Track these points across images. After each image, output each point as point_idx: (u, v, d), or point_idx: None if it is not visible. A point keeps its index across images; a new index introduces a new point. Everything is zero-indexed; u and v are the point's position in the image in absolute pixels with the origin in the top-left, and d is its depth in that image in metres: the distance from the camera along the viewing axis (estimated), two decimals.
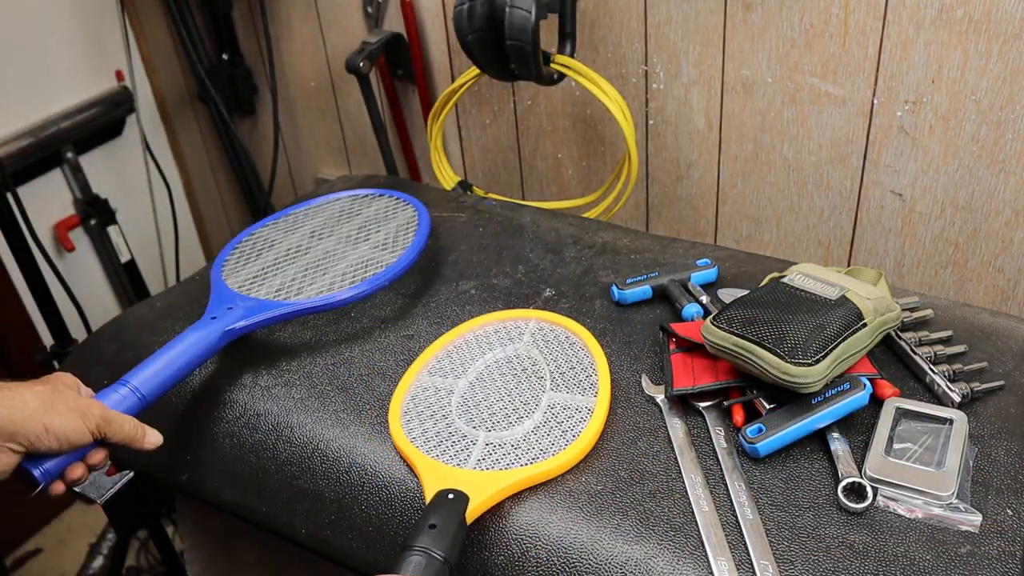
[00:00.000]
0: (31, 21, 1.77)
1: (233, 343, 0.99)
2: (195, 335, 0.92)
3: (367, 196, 1.25)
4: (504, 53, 1.27)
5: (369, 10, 1.68)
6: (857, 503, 0.75)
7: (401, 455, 0.85)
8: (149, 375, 0.87)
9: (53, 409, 0.75)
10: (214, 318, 0.96)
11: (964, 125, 1.21)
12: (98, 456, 0.81)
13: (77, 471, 0.79)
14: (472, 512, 0.75)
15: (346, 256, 1.10)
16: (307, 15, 1.79)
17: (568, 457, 0.81)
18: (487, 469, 0.81)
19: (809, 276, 0.91)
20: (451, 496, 0.76)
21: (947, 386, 0.85)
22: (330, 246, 1.13)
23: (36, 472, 0.76)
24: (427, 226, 1.13)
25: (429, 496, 0.77)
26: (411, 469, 0.84)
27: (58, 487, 0.79)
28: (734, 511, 0.76)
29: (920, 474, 0.76)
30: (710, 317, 0.88)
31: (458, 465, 0.81)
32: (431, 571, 0.68)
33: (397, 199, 1.22)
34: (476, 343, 0.98)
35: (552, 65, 1.34)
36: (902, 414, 0.83)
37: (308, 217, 1.22)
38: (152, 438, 0.84)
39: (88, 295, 1.90)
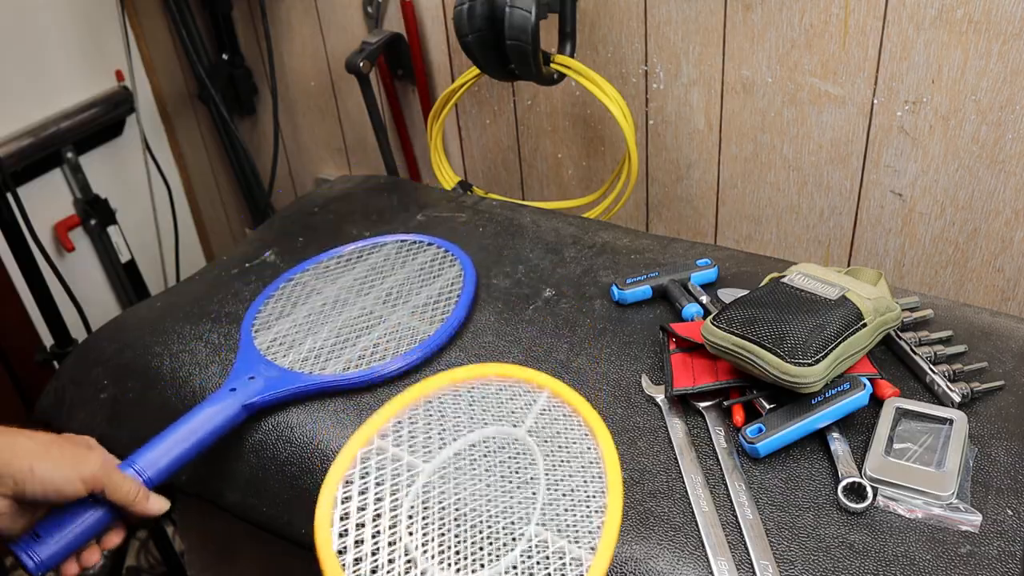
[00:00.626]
0: (31, 21, 1.77)
1: (234, 333, 0.98)
2: (211, 410, 0.87)
3: (416, 244, 1.17)
4: (504, 53, 1.27)
5: (369, 10, 1.68)
6: (857, 503, 0.75)
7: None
8: (157, 456, 0.82)
9: (46, 454, 0.72)
10: (233, 390, 0.91)
11: (964, 125, 1.21)
12: (108, 540, 0.77)
13: (71, 569, 0.75)
14: None
15: (382, 321, 1.02)
16: (307, 15, 1.79)
17: None
18: None
19: (809, 276, 0.91)
20: None
21: (947, 386, 0.85)
22: (368, 304, 1.05)
23: (26, 558, 0.72)
24: (471, 291, 1.05)
25: None
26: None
27: (70, 569, 0.75)
28: (734, 511, 0.76)
29: (920, 474, 0.76)
30: (710, 317, 0.88)
31: None
32: None
33: (446, 252, 1.14)
34: (467, 405, 0.73)
35: (552, 65, 1.34)
36: (902, 414, 0.83)
37: (352, 264, 1.15)
38: (155, 504, 0.79)
39: (88, 295, 1.90)
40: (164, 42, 2.01)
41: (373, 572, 0.59)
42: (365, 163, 1.93)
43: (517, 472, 0.67)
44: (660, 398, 0.89)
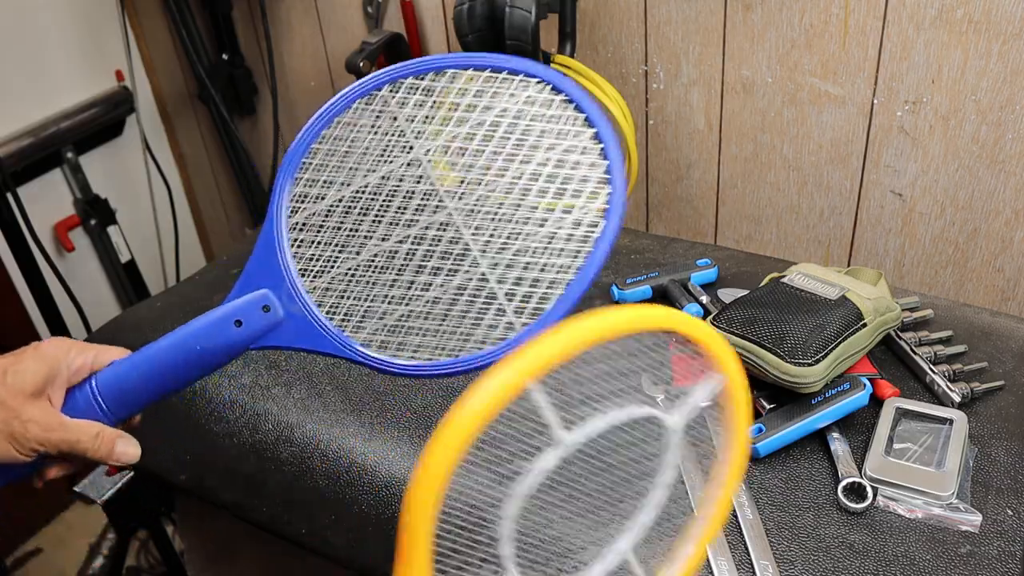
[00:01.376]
0: (31, 21, 1.77)
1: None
2: (206, 346, 0.63)
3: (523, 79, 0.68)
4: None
5: (369, 10, 1.68)
6: (857, 503, 0.75)
7: None
8: (127, 387, 0.63)
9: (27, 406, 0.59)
10: (239, 323, 0.63)
11: (964, 125, 1.21)
12: (54, 471, 0.64)
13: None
14: None
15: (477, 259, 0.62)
16: (307, 15, 1.79)
17: None
18: None
19: (809, 276, 0.91)
20: None
21: (947, 386, 0.85)
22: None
23: None
24: (621, 200, 0.61)
25: None
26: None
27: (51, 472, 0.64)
28: (734, 511, 0.76)
29: (920, 474, 0.76)
30: (710, 317, 0.88)
31: None
32: None
33: (567, 102, 0.65)
34: (605, 371, 0.51)
35: (552, 65, 1.34)
36: (902, 414, 0.83)
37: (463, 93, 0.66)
38: (123, 450, 0.63)
39: (88, 295, 1.90)
40: (164, 42, 2.01)
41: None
42: None
43: (639, 474, 0.51)
44: (660, 398, 0.89)
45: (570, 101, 0.65)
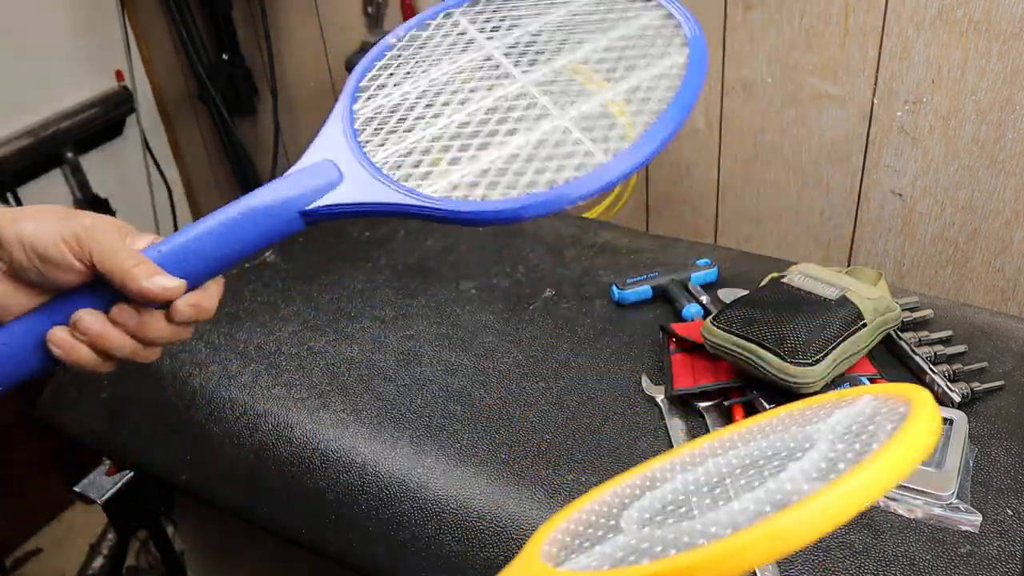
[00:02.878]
0: (31, 21, 1.77)
1: (234, 333, 0.98)
2: (261, 207, 0.58)
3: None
4: None
5: (369, 10, 1.68)
6: None
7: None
8: (183, 241, 0.58)
9: (34, 215, 0.55)
10: (304, 179, 0.59)
11: (964, 125, 1.21)
12: (84, 322, 0.56)
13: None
14: None
15: (541, 119, 0.63)
16: (307, 15, 1.79)
17: None
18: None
19: (809, 276, 0.91)
20: None
21: (947, 386, 0.85)
22: (530, 86, 0.64)
23: None
24: (688, 101, 0.64)
25: None
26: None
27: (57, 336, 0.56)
28: None
29: (920, 474, 0.76)
30: (710, 317, 0.88)
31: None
32: None
33: (675, 25, 0.69)
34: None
35: None
36: None
37: (528, 8, 0.71)
38: (159, 280, 0.55)
39: None
40: (164, 42, 2.01)
41: None
42: None
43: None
44: (660, 398, 0.89)
45: None
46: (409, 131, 0.64)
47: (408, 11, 1.60)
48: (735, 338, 0.84)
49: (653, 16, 0.68)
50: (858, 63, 1.24)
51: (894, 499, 0.76)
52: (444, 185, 0.60)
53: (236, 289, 1.14)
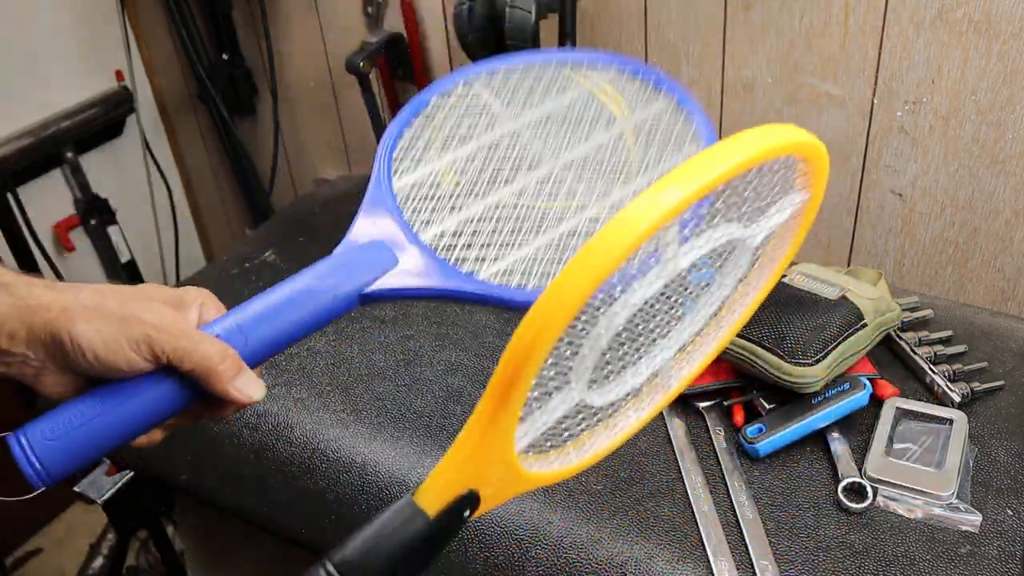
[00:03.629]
0: (31, 21, 1.77)
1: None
2: (320, 287, 0.58)
3: (643, 82, 0.72)
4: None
5: (369, 10, 1.68)
6: (857, 503, 0.75)
7: None
8: (261, 318, 0.57)
9: (94, 311, 0.51)
10: (358, 264, 0.59)
11: (964, 125, 1.21)
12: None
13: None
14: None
15: (572, 210, 0.66)
16: (307, 15, 1.79)
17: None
18: None
19: (809, 276, 0.91)
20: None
21: (947, 386, 0.85)
22: (557, 169, 0.68)
23: (24, 463, 0.48)
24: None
25: None
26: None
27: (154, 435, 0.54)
28: (734, 511, 0.76)
29: (920, 474, 0.76)
30: None
31: None
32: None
33: (686, 115, 0.69)
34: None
35: None
36: (902, 414, 0.83)
37: (546, 89, 0.72)
38: (249, 387, 0.55)
39: None
40: (164, 42, 2.01)
41: None
42: (365, 163, 1.93)
43: None
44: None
45: (648, 79, 0.71)
46: (455, 210, 0.64)
47: (408, 11, 1.60)
48: (735, 338, 0.84)
49: (664, 103, 0.70)
50: (858, 63, 1.24)
51: (894, 499, 0.76)
52: (497, 270, 0.61)
53: (236, 289, 1.13)
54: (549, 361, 0.47)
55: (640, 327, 0.52)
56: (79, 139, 1.88)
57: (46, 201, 1.86)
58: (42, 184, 1.84)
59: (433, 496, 0.48)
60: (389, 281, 0.59)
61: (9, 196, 1.41)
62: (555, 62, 0.74)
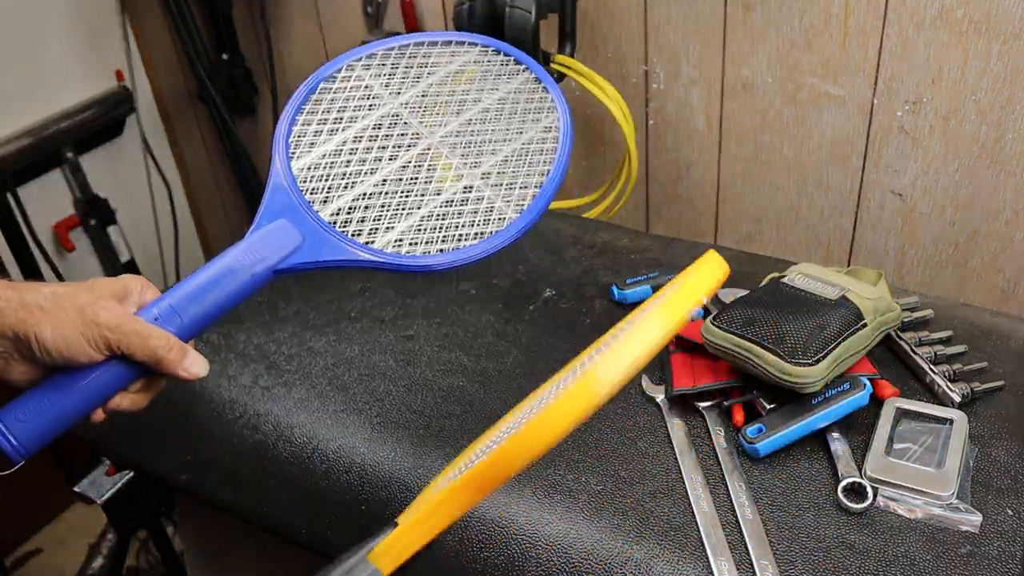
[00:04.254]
0: (31, 21, 1.77)
1: (234, 333, 0.98)
2: (238, 266, 0.67)
3: (505, 61, 0.84)
4: None
5: (369, 10, 1.68)
6: (857, 503, 0.75)
7: None
8: (190, 299, 0.65)
9: (51, 315, 0.59)
10: (268, 245, 0.69)
11: (964, 125, 1.21)
12: (131, 394, 0.64)
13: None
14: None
15: (454, 177, 0.77)
16: (307, 15, 1.79)
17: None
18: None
19: (809, 276, 0.91)
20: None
21: (947, 386, 0.85)
22: (436, 143, 0.78)
23: (4, 443, 0.59)
24: (565, 160, 0.78)
25: None
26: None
27: (97, 416, 0.64)
28: (734, 511, 0.76)
29: (920, 474, 0.76)
30: (710, 317, 0.88)
31: None
32: None
33: (543, 91, 0.82)
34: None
35: (552, 65, 1.33)
36: (902, 414, 0.83)
37: (421, 68, 0.82)
38: (194, 363, 0.64)
39: None
40: (164, 42, 2.01)
41: None
42: None
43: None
44: (660, 398, 0.89)
45: (509, 56, 0.83)
46: (348, 188, 0.74)
47: (408, 10, 1.60)
48: (735, 338, 0.84)
49: (524, 77, 0.83)
50: (858, 63, 1.24)
51: (894, 499, 0.76)
52: (389, 239, 0.71)
53: None
54: None
55: None
56: (79, 139, 1.88)
57: (46, 201, 1.86)
58: (42, 184, 1.84)
59: (390, 558, 0.52)
60: (297, 257, 0.69)
61: (9, 196, 1.41)
62: (426, 42, 0.84)
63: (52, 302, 0.60)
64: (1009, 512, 0.74)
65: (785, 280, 0.92)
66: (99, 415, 0.64)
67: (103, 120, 1.92)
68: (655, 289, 1.03)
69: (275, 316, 1.08)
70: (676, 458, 0.82)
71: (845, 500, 0.76)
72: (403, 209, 0.73)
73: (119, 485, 1.07)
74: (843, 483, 0.77)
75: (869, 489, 0.76)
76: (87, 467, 1.11)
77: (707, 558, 0.73)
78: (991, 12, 1.11)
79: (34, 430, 0.60)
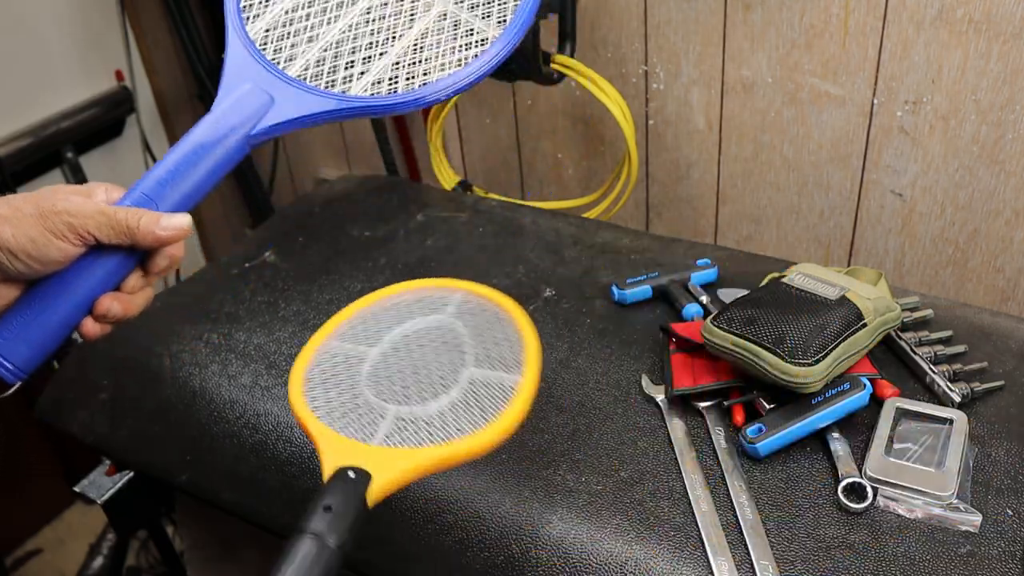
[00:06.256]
0: (31, 21, 1.77)
1: (234, 333, 0.98)
2: (210, 141, 0.64)
3: None
4: None
5: None
6: (857, 503, 0.75)
7: (300, 424, 0.73)
8: (162, 181, 0.62)
9: (5, 219, 0.56)
10: (237, 112, 0.67)
11: (964, 125, 1.21)
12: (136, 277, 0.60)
13: (89, 328, 0.59)
14: (375, 493, 0.66)
15: (420, 14, 0.73)
16: None
17: (486, 438, 0.68)
18: (394, 445, 0.69)
19: (809, 276, 0.91)
20: (351, 474, 0.66)
21: (947, 386, 0.85)
22: None
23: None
24: None
25: (327, 473, 0.68)
26: (312, 443, 0.73)
27: (90, 329, 0.60)
28: (734, 511, 0.76)
29: (920, 474, 0.76)
30: (710, 317, 0.88)
31: (362, 440, 0.70)
32: (322, 560, 0.60)
33: None
34: (394, 310, 0.82)
35: (552, 65, 1.34)
36: (902, 414, 0.83)
37: None
38: (169, 219, 0.59)
39: None
40: (164, 42, 2.01)
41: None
42: (365, 163, 1.93)
43: (446, 343, 0.76)
44: (660, 398, 0.89)
45: None
46: (312, 40, 0.70)
47: None
48: (735, 338, 0.84)
49: None
50: (858, 63, 1.24)
51: (894, 499, 0.76)
52: (365, 83, 0.67)
53: (236, 289, 1.14)
54: None
55: None
56: (79, 139, 1.88)
57: None
58: (42, 184, 1.84)
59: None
60: (270, 119, 0.65)
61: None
62: None
63: (7, 207, 0.56)
64: (1009, 512, 0.74)
65: (785, 280, 0.92)
66: (91, 327, 0.60)
67: (103, 120, 1.92)
68: (655, 289, 1.03)
69: (275, 316, 1.08)
70: (676, 458, 0.82)
71: (845, 500, 0.76)
72: (375, 50, 0.69)
73: (119, 485, 1.07)
74: (843, 483, 0.77)
75: (869, 489, 0.76)
76: (87, 467, 1.11)
77: (707, 558, 0.73)
78: (991, 12, 1.12)
79: (25, 347, 0.57)
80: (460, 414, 0.71)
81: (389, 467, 0.67)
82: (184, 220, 0.60)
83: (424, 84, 0.68)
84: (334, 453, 0.71)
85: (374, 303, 0.82)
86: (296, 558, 0.60)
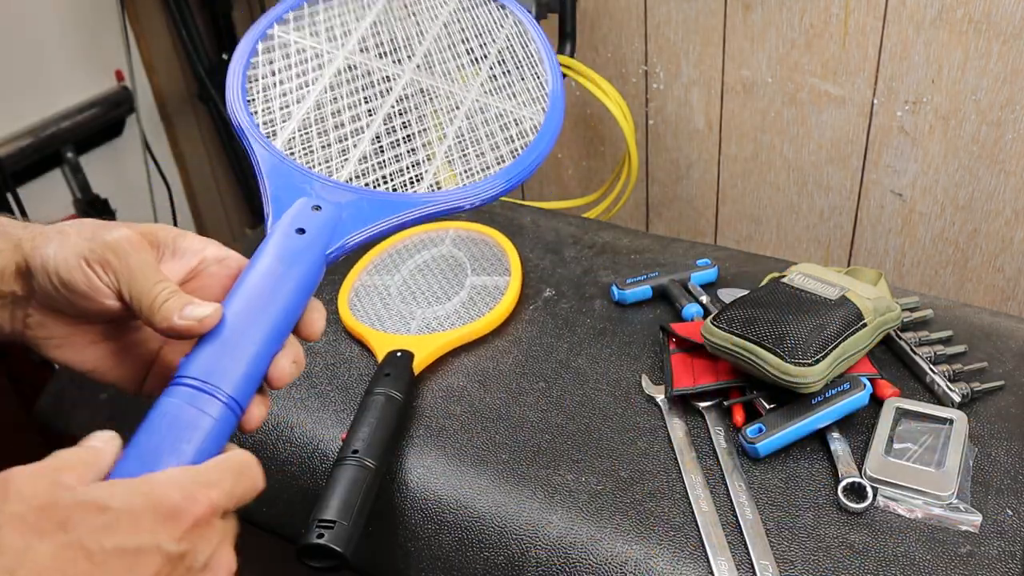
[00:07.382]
0: (31, 21, 1.77)
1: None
2: (283, 268, 0.51)
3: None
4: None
5: None
6: (857, 503, 0.75)
7: (352, 334, 0.99)
8: (248, 377, 0.50)
9: (62, 233, 0.48)
10: (302, 231, 0.54)
11: (964, 125, 1.21)
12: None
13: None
14: (418, 364, 0.92)
15: (463, 103, 0.68)
16: None
17: (489, 319, 0.99)
18: (425, 333, 0.97)
19: (809, 276, 0.91)
20: (399, 354, 0.92)
21: (947, 386, 0.85)
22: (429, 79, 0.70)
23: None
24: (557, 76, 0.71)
25: (380, 357, 0.93)
26: (365, 346, 0.97)
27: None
28: (734, 511, 0.76)
29: (920, 474, 0.76)
30: (710, 317, 0.88)
31: (402, 333, 0.98)
32: (391, 408, 0.83)
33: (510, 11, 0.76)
34: (404, 250, 1.11)
35: None
36: (902, 414, 0.83)
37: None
38: (191, 310, 0.46)
39: None
40: (164, 42, 2.01)
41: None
42: None
43: (449, 265, 1.09)
44: (660, 398, 0.89)
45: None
46: (346, 150, 0.64)
47: None
48: (735, 338, 0.84)
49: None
50: (858, 63, 1.24)
51: (894, 499, 0.76)
52: (429, 183, 0.63)
53: None
54: None
55: None
56: (79, 139, 1.88)
57: (46, 201, 1.86)
58: (42, 184, 1.84)
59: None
60: (346, 233, 0.56)
61: (9, 196, 1.41)
62: None
63: (74, 225, 0.48)
64: (1009, 512, 0.74)
65: (785, 280, 0.92)
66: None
67: (103, 120, 1.92)
68: (655, 289, 1.04)
69: None
70: (676, 458, 0.82)
71: (845, 500, 0.76)
72: (423, 148, 0.64)
73: None
74: (843, 483, 0.77)
75: (869, 489, 0.76)
76: None
77: (707, 558, 0.73)
78: (991, 12, 1.12)
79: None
80: (469, 308, 1.01)
81: (425, 346, 0.94)
82: (207, 310, 0.47)
83: (485, 178, 0.63)
84: (383, 344, 0.95)
85: (388, 247, 1.11)
86: (376, 408, 0.83)
